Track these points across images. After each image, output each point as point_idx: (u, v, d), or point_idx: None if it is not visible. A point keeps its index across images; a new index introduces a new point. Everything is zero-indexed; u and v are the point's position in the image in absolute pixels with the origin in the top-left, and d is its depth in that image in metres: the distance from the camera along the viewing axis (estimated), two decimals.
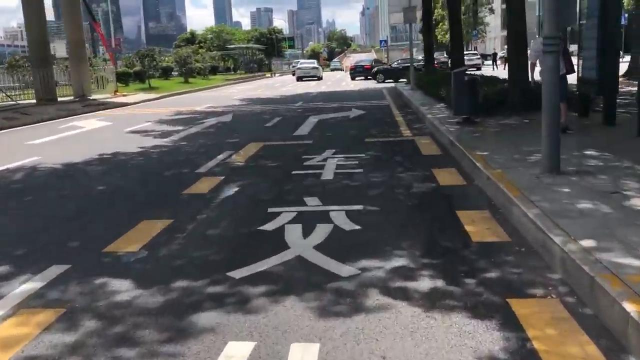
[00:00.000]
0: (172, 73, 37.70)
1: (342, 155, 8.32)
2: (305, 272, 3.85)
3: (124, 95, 24.83)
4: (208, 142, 10.63)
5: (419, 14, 22.84)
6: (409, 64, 32.47)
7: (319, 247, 4.31)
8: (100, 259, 4.34)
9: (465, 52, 46.63)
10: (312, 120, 13.55)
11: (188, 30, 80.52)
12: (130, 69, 31.19)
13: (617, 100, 9.09)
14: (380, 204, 5.56)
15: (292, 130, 11.78)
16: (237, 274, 3.86)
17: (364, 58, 52.01)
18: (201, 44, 63.51)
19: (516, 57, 10.77)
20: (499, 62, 43.82)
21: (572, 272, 3.39)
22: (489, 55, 49.96)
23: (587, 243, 3.60)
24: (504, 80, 13.09)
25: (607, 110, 8.47)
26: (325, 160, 8.04)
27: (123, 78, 31.22)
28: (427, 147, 8.74)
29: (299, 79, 41.31)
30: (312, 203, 5.66)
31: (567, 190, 4.96)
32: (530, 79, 8.63)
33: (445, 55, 59.95)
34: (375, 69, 35.54)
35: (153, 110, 18.93)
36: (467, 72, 9.47)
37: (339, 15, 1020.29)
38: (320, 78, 42.41)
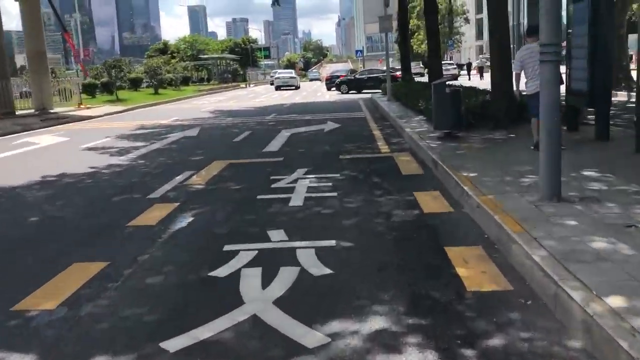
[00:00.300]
0: (142, 84, 36.54)
1: (314, 176, 7.53)
2: (260, 342, 3.02)
3: (88, 108, 23.69)
4: (168, 161, 9.73)
5: (394, 23, 22.28)
6: (374, 75, 33.34)
7: (280, 302, 3.49)
8: (3, 323, 3.44)
9: (484, 57, 46.84)
10: (284, 134, 12.75)
11: (162, 40, 79.18)
12: (98, 80, 29.99)
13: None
14: (356, 238, 4.77)
15: (262, 145, 10.94)
16: (173, 344, 3.02)
17: (340, 68, 51.54)
18: (174, 54, 62.30)
19: (499, 67, 10.14)
20: (473, 71, 43.63)
21: (602, 345, 2.63)
22: (464, 65, 49.71)
23: (615, 301, 2.85)
24: (484, 91, 12.50)
25: (600, 124, 7.85)
26: (295, 181, 7.24)
27: (90, 90, 30.03)
28: (407, 166, 7.99)
29: (278, 87, 43.01)
30: (277, 237, 4.85)
31: (573, 223, 4.23)
32: (515, 90, 7.97)
33: (421, 65, 59.91)
34: (338, 80, 35.18)
35: (116, 124, 17.91)
36: (448, 83, 8.79)
37: (315, 25, 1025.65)
38: (297, 87, 44.23)
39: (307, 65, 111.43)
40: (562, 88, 8.47)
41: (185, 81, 44.95)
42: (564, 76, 8.33)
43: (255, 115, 19.25)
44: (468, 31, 75.27)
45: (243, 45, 76.84)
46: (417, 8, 61.96)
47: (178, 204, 6.37)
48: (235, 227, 5.32)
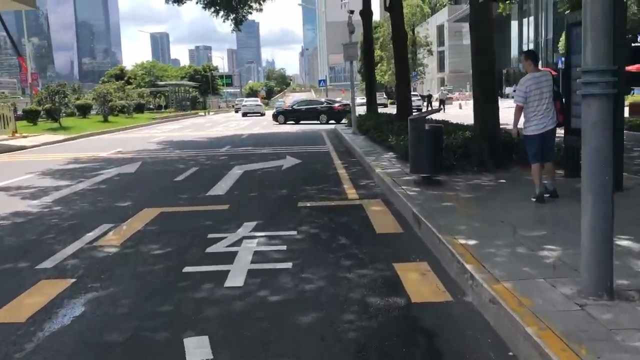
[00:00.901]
0: (92, 111, 34.29)
1: (264, 233, 5.90)
2: None
3: (24, 137, 21.46)
4: (88, 208, 7.91)
5: (359, 52, 21.12)
6: (312, 106, 32.32)
7: None
8: None
9: (444, 89, 46.06)
10: (236, 172, 11.08)
11: (119, 65, 76.37)
12: (42, 106, 27.71)
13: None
14: (319, 356, 3.14)
15: (207, 187, 9.25)
16: None
17: (304, 97, 50.38)
18: (130, 80, 60.02)
19: (483, 100, 8.81)
20: (435, 103, 42.87)
21: None
22: (425, 96, 48.23)
23: None
24: (465, 126, 11.20)
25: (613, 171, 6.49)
26: (239, 242, 5.59)
27: (32, 116, 27.72)
28: (381, 220, 6.44)
29: (244, 114, 46.26)
30: (196, 354, 3.17)
31: None
32: (513, 128, 6.56)
33: (384, 95, 59.51)
34: (275, 110, 35.55)
35: (50, 156, 15.87)
36: (427, 118, 7.38)
37: (279, 55, 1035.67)
38: (262, 114, 46.41)
39: (270, 94, 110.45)
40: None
41: (140, 108, 42.80)
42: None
43: (207, 147, 17.51)
44: (430, 63, 75.75)
45: (204, 72, 74.99)
46: (380, 39, 61.90)
47: (73, 280, 4.63)
48: (138, 332, 3.60)
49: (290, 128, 27.50)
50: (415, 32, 59.01)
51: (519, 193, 6.64)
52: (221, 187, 9.20)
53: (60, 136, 22.56)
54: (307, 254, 5.17)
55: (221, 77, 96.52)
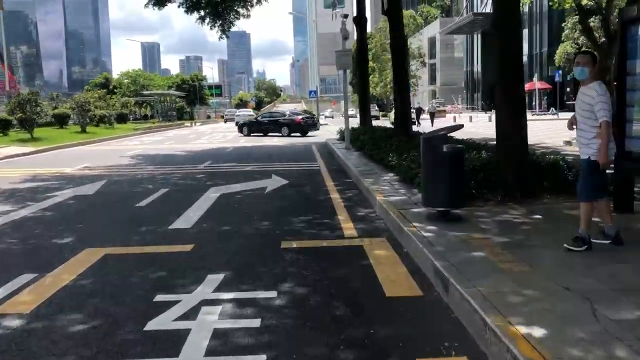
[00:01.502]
0: (71, 121, 32.54)
1: (232, 296, 4.31)
2: None
3: None
4: (14, 247, 6.24)
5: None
6: (275, 118, 31.36)
7: None
8: None
9: (416, 106, 44.58)
10: (211, 195, 9.47)
11: (103, 74, 74.16)
12: (14, 115, 25.93)
13: None
14: None
15: (173, 215, 7.63)
16: None
17: (294, 108, 48.96)
18: (115, 89, 58.25)
19: (509, 116, 7.26)
20: (426, 116, 41.20)
21: None
22: (415, 109, 45.84)
23: None
24: (483, 145, 9.68)
25: None
26: (195, 311, 3.99)
27: (3, 126, 25.97)
28: (390, 274, 4.84)
29: (237, 124, 48.46)
30: None
31: None
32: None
33: (376, 108, 58.24)
34: (241, 121, 35.14)
35: (8, 172, 14.17)
36: (447, 137, 5.82)
37: (270, 66, 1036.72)
38: None
39: (260, 105, 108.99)
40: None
41: (123, 118, 41.06)
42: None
43: (185, 163, 15.86)
44: (422, 75, 74.72)
45: (191, 82, 73.31)
46: (372, 50, 60.76)
47: None
48: None
49: (278, 141, 25.92)
50: (408, 43, 57.89)
51: (566, 236, 5.09)
52: (189, 218, 7.57)
53: (28, 148, 20.82)
54: (289, 336, 3.57)
55: (210, 87, 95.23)
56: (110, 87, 61.15)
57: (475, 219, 6.11)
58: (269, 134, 30.90)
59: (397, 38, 14.56)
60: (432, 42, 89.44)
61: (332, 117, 74.17)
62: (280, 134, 30.34)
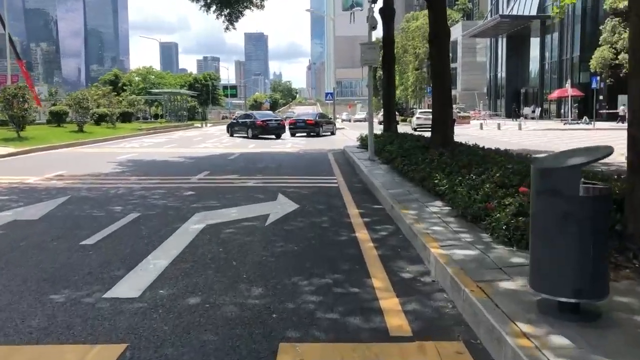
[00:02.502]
0: (69, 119, 30.26)
1: None
2: None
3: None
4: None
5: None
6: (250, 120, 30.44)
7: None
8: None
9: (421, 111, 41.53)
10: (192, 227, 6.87)
11: (113, 70, 71.89)
12: (3, 112, 23.69)
13: None
14: None
15: (122, 268, 5.04)
16: None
17: (309, 111, 46.36)
18: (125, 87, 56.18)
19: None
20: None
21: None
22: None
23: None
24: (601, 175, 6.95)
25: None
26: None
27: None
28: None
29: None
30: None
31: None
32: None
33: (396, 112, 55.37)
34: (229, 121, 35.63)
35: None
36: (585, 163, 3.26)
37: (287, 68, 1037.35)
38: None
39: (275, 106, 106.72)
40: None
41: (127, 117, 38.78)
42: None
43: (177, 173, 13.27)
44: None
45: (204, 81, 71.01)
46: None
47: None
48: None
49: (292, 147, 23.31)
50: None
51: None
52: (145, 273, 4.96)
53: (9, 149, 18.45)
54: None
55: (225, 87, 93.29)
56: (120, 84, 59.21)
57: (623, 314, 3.41)
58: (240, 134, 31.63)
59: (441, 26, 11.95)
60: (453, 45, 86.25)
61: (350, 121, 71.62)
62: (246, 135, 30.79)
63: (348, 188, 10.49)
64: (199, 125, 48.82)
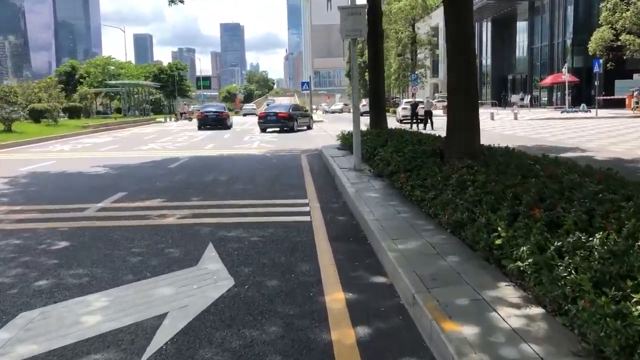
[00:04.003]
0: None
1: None
2: None
3: None
4: None
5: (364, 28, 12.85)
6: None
7: None
8: None
9: (407, 101, 37.39)
10: None
11: (69, 61, 65.51)
12: None
13: None
14: None
15: None
16: None
17: (284, 103, 42.02)
18: (82, 79, 51.26)
19: None
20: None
21: None
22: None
23: None
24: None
25: None
26: None
27: None
28: None
29: (245, 115, 52.34)
30: None
31: None
32: None
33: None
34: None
35: None
36: None
37: (263, 59, 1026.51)
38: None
39: (250, 98, 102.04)
40: None
41: (76, 113, 34.16)
42: None
43: (75, 199, 8.99)
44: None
45: (170, 72, 65.92)
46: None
47: None
48: None
49: (258, 147, 19.21)
50: (416, 28, 51.18)
51: None
52: None
53: None
54: None
55: (198, 78, 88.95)
56: (77, 76, 54.23)
57: None
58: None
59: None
60: (435, 31, 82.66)
61: (341, 112, 67.80)
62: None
63: (327, 229, 6.49)
64: (162, 119, 44.23)
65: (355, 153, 10.47)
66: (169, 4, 16.94)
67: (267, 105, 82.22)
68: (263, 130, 27.89)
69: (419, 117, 27.49)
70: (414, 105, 28.53)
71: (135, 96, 48.12)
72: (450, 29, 8.01)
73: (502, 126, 27.33)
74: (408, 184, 7.04)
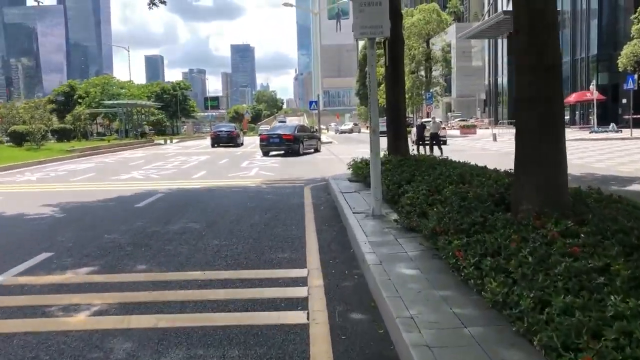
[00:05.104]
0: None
1: None
2: None
3: None
4: None
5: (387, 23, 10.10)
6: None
7: None
8: None
9: (424, 121, 34.22)
10: None
11: (68, 81, 63.16)
12: None
13: None
14: None
15: None
16: None
17: (291, 123, 39.19)
18: (81, 99, 49.22)
19: None
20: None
21: None
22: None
23: None
24: None
25: None
26: None
27: None
28: None
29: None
30: None
31: None
32: None
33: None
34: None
35: None
36: None
37: (274, 80, 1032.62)
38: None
39: (258, 118, 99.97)
40: None
41: (65, 135, 31.77)
42: None
43: None
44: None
45: (173, 92, 63.65)
46: (381, 58, 51.55)
47: None
48: None
49: (256, 175, 16.50)
50: (430, 44, 48.63)
51: None
52: None
53: None
54: None
55: (206, 99, 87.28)
56: (75, 96, 52.16)
57: None
58: None
59: None
60: (448, 47, 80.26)
61: (351, 132, 64.91)
62: None
63: (333, 345, 3.69)
64: (162, 141, 41.59)
65: (373, 193, 7.67)
66: (149, 7, 14.51)
67: (279, 123, 79.53)
68: (265, 154, 25.20)
69: (425, 140, 22.48)
70: (421, 127, 23.33)
71: (134, 117, 45.78)
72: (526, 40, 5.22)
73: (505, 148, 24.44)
74: (469, 261, 4.24)
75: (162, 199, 11.36)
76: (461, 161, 10.13)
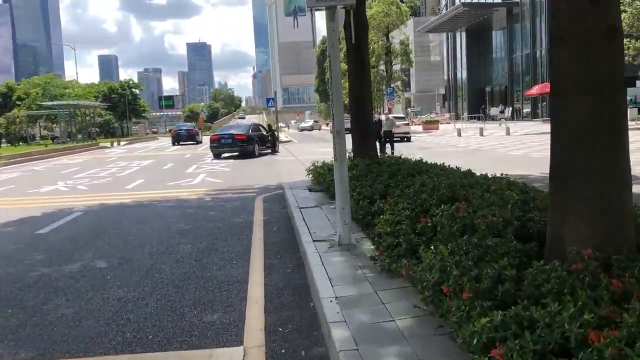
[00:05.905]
0: None
1: None
2: None
3: None
4: None
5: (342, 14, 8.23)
6: None
7: None
8: None
9: (393, 116, 32.16)
10: None
11: (6, 82, 58.53)
12: None
13: None
14: None
15: None
16: None
17: (242, 123, 36.96)
18: (20, 100, 45.63)
19: None
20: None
21: None
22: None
23: None
24: None
25: None
26: None
27: None
28: None
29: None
30: None
31: None
32: None
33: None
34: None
35: None
36: None
37: (232, 78, 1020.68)
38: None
39: (215, 117, 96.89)
40: None
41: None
42: None
43: None
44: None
45: (121, 91, 60.14)
46: (343, 49, 49.86)
47: None
48: None
49: (201, 182, 14.35)
50: (390, 37, 47.17)
51: None
52: None
53: None
54: None
55: (161, 98, 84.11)
56: (13, 97, 48.40)
57: None
58: None
59: None
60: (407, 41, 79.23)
61: (311, 129, 63.28)
62: None
63: None
64: (108, 144, 38.61)
65: (340, 214, 5.74)
66: None
67: (238, 120, 76.09)
68: (217, 156, 22.97)
69: (381, 137, 19.36)
70: (377, 124, 19.44)
71: (80, 118, 42.53)
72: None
73: (501, 144, 23.09)
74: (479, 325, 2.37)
75: (77, 220, 9.14)
76: (438, 163, 8.39)
